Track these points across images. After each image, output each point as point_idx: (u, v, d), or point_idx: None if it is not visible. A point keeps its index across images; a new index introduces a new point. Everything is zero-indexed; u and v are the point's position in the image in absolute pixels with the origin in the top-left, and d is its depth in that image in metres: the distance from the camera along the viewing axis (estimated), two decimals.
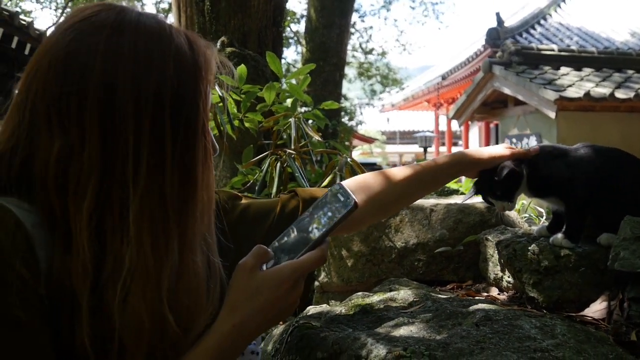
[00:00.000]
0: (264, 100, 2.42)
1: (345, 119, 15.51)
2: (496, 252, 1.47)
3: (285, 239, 0.93)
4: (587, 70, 8.97)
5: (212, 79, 0.88)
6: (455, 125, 16.88)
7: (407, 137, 28.72)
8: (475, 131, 17.10)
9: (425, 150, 17.84)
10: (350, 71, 18.09)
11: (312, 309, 1.44)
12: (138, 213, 0.77)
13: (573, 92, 7.71)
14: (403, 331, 1.11)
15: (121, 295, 0.75)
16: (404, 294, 1.35)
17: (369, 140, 22.42)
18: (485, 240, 1.55)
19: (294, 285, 0.86)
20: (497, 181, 1.32)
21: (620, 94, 7.93)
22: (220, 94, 2.25)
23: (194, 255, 0.84)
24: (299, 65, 9.81)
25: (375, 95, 19.73)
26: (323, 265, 0.92)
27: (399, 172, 1.32)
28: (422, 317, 1.19)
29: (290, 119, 2.20)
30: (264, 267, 0.88)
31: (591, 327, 1.20)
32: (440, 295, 1.37)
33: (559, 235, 1.35)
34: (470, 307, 1.19)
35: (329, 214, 0.90)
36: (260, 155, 1.96)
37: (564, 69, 8.89)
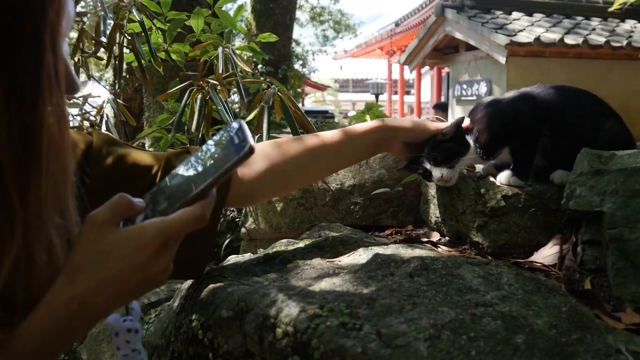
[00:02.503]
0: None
1: (297, 65, 15.12)
2: (438, 192, 1.30)
3: (162, 188, 0.72)
4: (537, 16, 8.89)
5: None
6: (408, 74, 16.73)
7: (360, 85, 28.48)
8: (428, 80, 17.01)
9: (377, 98, 17.68)
10: (302, 15, 17.57)
11: (232, 259, 1.27)
12: None
13: (524, 37, 7.62)
14: (325, 284, 0.93)
15: None
16: (333, 241, 1.18)
17: (321, 87, 22.05)
18: (426, 181, 1.38)
19: (160, 249, 0.65)
20: (441, 140, 1.17)
21: (569, 40, 7.89)
22: (139, 18, 1.97)
23: (42, 244, 0.62)
24: (249, 8, 9.33)
25: (327, 41, 19.30)
26: (203, 225, 0.69)
27: (306, 142, 1.15)
28: (350, 266, 1.02)
29: (219, 49, 1.95)
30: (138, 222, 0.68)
31: (541, 275, 1.06)
32: (373, 241, 1.20)
33: (507, 173, 1.19)
34: (406, 255, 1.03)
35: (218, 158, 0.69)
36: (178, 87, 1.72)
37: (515, 14, 8.78)
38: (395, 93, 21.25)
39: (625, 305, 0.92)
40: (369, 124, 1.20)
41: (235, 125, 0.71)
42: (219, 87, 1.76)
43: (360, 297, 0.82)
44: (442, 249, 1.20)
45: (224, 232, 2.08)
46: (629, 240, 0.92)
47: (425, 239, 1.30)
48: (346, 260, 1.08)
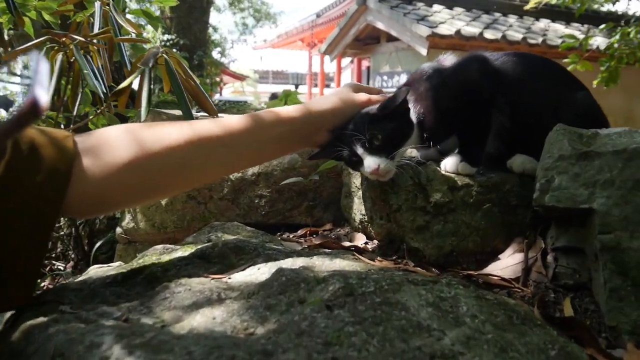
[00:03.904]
0: None
1: (215, 54, 14.59)
2: (364, 183, 1.01)
3: None
4: (458, 10, 8.89)
5: None
6: (329, 66, 16.59)
7: (280, 76, 28.11)
8: (349, 73, 16.92)
9: (296, 88, 17.40)
10: (220, 1, 17.01)
11: (92, 271, 0.93)
12: None
13: (445, 29, 7.55)
14: (200, 319, 0.61)
15: None
16: (223, 249, 0.86)
17: (240, 77, 21.46)
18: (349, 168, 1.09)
19: None
20: (380, 117, 0.85)
21: (488, 35, 7.91)
22: None
23: None
24: None
25: (247, 29, 18.82)
26: None
27: (197, 127, 0.82)
28: (243, 287, 0.71)
29: (96, 4, 1.56)
30: None
31: (502, 293, 0.79)
32: (279, 247, 0.89)
33: (454, 158, 0.92)
34: (322, 269, 0.73)
35: None
36: (27, 44, 1.32)
37: (436, 7, 8.74)
38: (316, 85, 21.09)
39: (622, 338, 0.67)
40: (288, 110, 0.87)
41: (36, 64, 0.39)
42: (88, 46, 1.38)
43: (247, 350, 0.50)
44: (371, 258, 0.91)
45: (104, 230, 1.71)
46: (629, 249, 0.66)
47: (348, 243, 1.00)
48: (239, 276, 0.77)
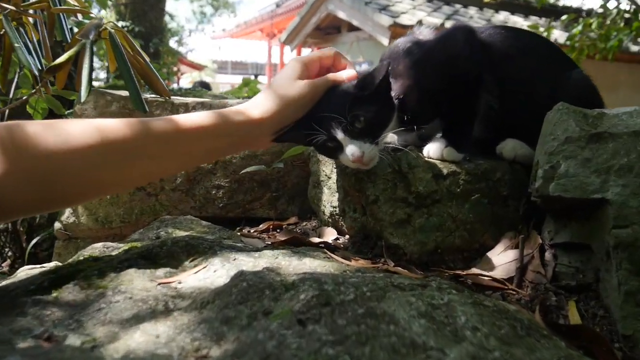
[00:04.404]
0: None
1: (172, 42, 14.24)
2: (335, 171, 0.90)
3: None
4: (419, 0, 8.87)
5: None
6: (289, 56, 16.44)
7: (239, 67, 27.69)
8: None
9: (256, 77, 17.18)
10: None
11: (22, 272, 0.80)
12: None
13: (407, 19, 7.49)
14: (139, 338, 0.49)
15: None
16: (172, 247, 0.73)
17: (198, 67, 21.03)
18: (318, 154, 0.97)
19: None
20: (362, 98, 0.73)
21: (450, 25, 7.93)
22: None
23: None
24: None
25: (205, 18, 18.45)
26: None
27: (104, 127, 0.71)
28: (195, 294, 0.59)
29: None
30: None
31: (495, 296, 0.69)
32: (239, 245, 0.77)
33: (439, 143, 0.81)
34: (290, 271, 0.62)
35: None
36: None
37: None
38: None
39: None
40: (256, 107, 0.75)
41: None
42: (21, 16, 1.23)
43: None
44: (345, 257, 0.79)
45: (44, 225, 1.55)
46: None
47: (317, 239, 0.89)
48: (191, 280, 0.65)
